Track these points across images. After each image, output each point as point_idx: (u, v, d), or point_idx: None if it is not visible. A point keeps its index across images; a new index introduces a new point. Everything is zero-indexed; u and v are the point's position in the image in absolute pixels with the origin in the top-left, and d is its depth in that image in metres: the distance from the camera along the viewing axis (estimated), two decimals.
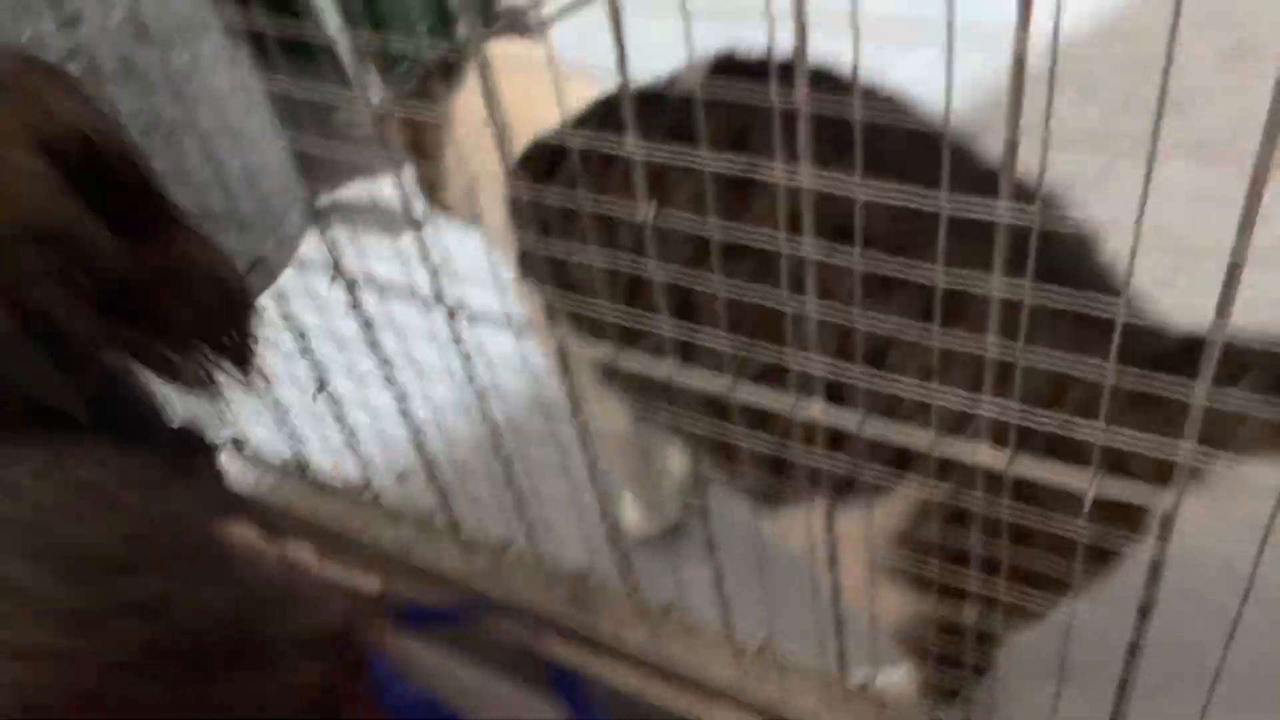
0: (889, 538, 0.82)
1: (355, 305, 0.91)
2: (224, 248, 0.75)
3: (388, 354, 0.97)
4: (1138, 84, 1.89)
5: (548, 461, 1.00)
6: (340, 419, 1.08)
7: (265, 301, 0.97)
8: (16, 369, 0.49)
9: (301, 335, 1.00)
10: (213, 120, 0.80)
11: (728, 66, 0.85)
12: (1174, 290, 0.73)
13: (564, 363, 0.83)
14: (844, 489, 0.77)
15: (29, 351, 0.50)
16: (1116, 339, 0.55)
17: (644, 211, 0.65)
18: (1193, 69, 1.85)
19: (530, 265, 0.95)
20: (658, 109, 0.73)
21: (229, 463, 1.24)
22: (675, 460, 1.33)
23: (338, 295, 0.91)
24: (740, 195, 0.74)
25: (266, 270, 1.09)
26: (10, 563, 0.35)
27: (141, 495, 0.44)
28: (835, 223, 0.60)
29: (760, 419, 0.78)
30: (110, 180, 0.65)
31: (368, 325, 0.93)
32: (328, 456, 1.18)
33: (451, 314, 0.86)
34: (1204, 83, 1.79)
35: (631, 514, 1.31)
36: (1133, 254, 0.53)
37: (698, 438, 0.86)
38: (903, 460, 0.74)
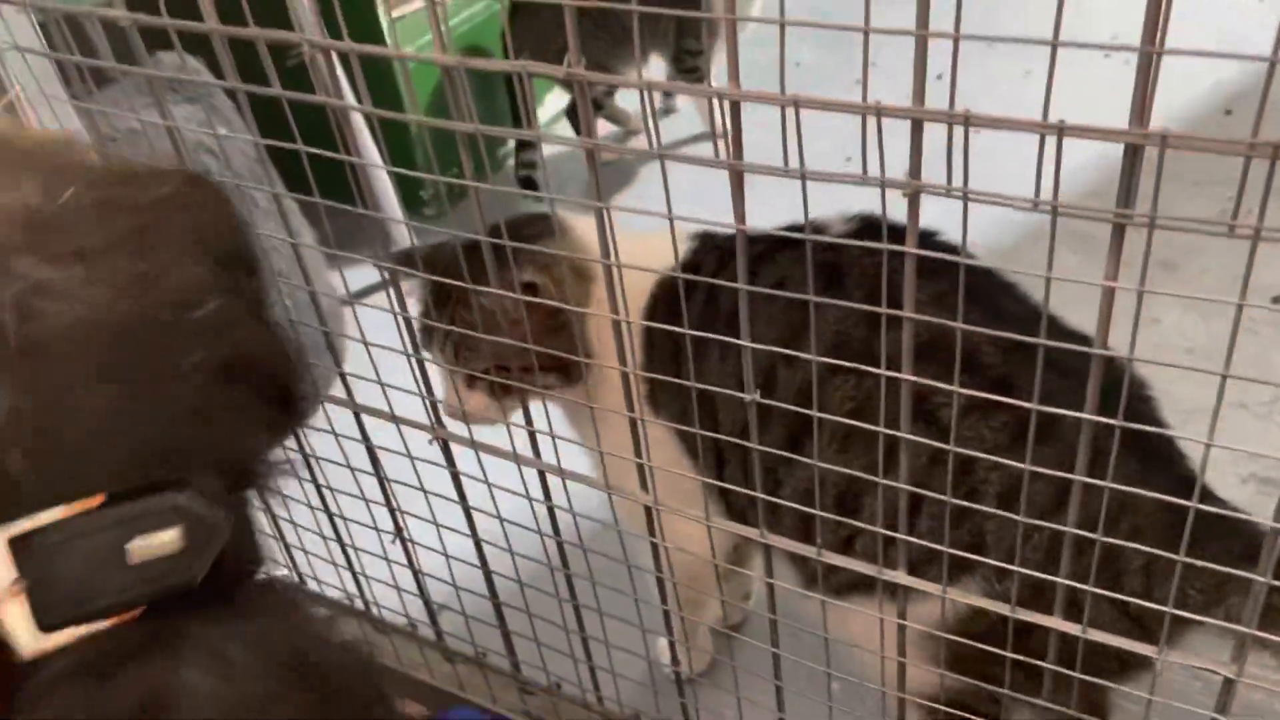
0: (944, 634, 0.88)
1: (450, 463, 0.97)
2: None
3: (468, 500, 1.03)
4: (1133, 246, 2.00)
5: (612, 603, 1.05)
6: (410, 559, 1.13)
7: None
8: (240, 531, 0.43)
9: (383, 483, 1.06)
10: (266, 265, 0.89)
11: (872, 226, 0.94)
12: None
13: (650, 519, 0.90)
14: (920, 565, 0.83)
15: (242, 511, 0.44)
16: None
17: (747, 391, 0.73)
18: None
19: (660, 395, 1.03)
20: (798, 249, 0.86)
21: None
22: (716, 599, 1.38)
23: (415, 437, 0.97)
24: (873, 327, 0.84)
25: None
26: None
27: (330, 668, 0.50)
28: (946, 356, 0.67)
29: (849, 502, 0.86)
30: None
31: (456, 479, 1.00)
32: (388, 592, 1.22)
33: (543, 476, 0.92)
34: (1196, 243, 1.90)
35: (669, 654, 1.35)
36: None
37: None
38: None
